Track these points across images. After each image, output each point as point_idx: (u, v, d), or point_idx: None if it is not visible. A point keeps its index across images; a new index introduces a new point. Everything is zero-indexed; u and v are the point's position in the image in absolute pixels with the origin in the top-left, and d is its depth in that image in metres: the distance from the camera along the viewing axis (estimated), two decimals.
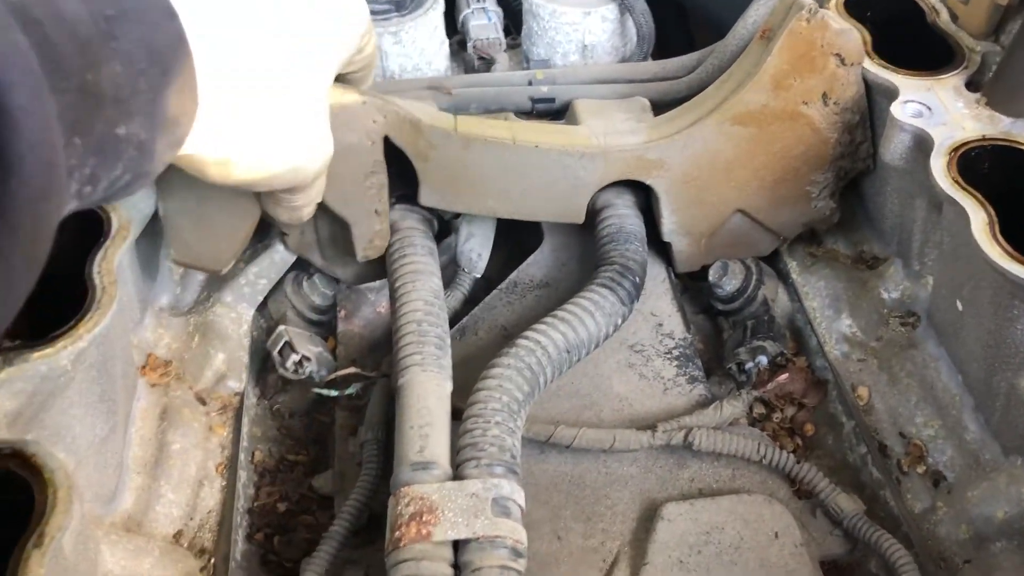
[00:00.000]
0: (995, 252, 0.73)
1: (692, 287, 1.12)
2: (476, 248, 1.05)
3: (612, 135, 0.96)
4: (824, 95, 0.92)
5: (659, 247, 1.06)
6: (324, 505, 0.94)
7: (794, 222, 1.03)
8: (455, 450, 0.76)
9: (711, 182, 0.98)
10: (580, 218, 1.01)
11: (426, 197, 0.96)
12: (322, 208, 0.90)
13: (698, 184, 0.98)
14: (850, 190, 1.04)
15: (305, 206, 0.84)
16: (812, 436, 0.98)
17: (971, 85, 0.90)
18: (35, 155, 0.38)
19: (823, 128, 0.94)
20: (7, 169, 0.37)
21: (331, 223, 0.96)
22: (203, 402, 0.96)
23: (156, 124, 0.52)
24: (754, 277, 1.04)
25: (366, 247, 0.96)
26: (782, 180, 0.98)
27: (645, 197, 1.05)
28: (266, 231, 1.01)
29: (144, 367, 0.94)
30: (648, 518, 0.82)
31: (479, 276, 1.06)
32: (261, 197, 0.85)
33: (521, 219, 1.01)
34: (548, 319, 0.88)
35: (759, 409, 0.99)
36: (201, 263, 0.93)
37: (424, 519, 0.69)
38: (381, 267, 0.97)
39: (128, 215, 0.85)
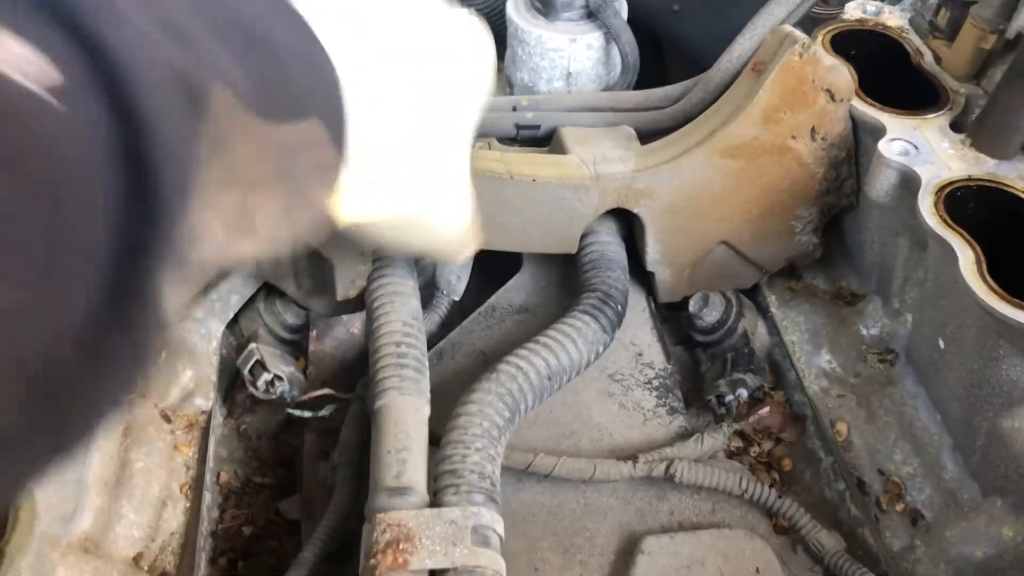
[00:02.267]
0: (983, 291, 0.73)
1: (671, 318, 1.11)
2: (455, 270, 1.03)
3: (602, 163, 0.95)
4: (813, 130, 0.92)
5: (640, 276, 1.05)
6: (291, 530, 0.91)
7: (777, 256, 1.03)
8: (433, 476, 0.74)
9: (697, 213, 0.98)
10: (574, 248, 1.00)
11: None
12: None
13: (684, 215, 0.97)
14: (831, 226, 1.04)
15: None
16: (790, 471, 0.97)
17: (955, 126, 0.91)
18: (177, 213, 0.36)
19: (810, 163, 0.94)
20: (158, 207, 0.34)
21: (310, 257, 0.93)
22: (168, 420, 0.93)
23: (289, 212, 0.49)
24: (734, 309, 1.03)
25: (347, 287, 0.92)
26: (767, 214, 0.98)
27: (627, 226, 1.04)
28: None
29: None
30: (627, 551, 0.81)
31: (457, 299, 1.04)
32: None
33: (516, 251, 1.00)
34: (530, 344, 0.87)
35: (736, 443, 0.98)
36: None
37: (401, 547, 0.67)
38: (359, 302, 0.93)
39: None
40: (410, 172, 0.66)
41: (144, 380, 0.38)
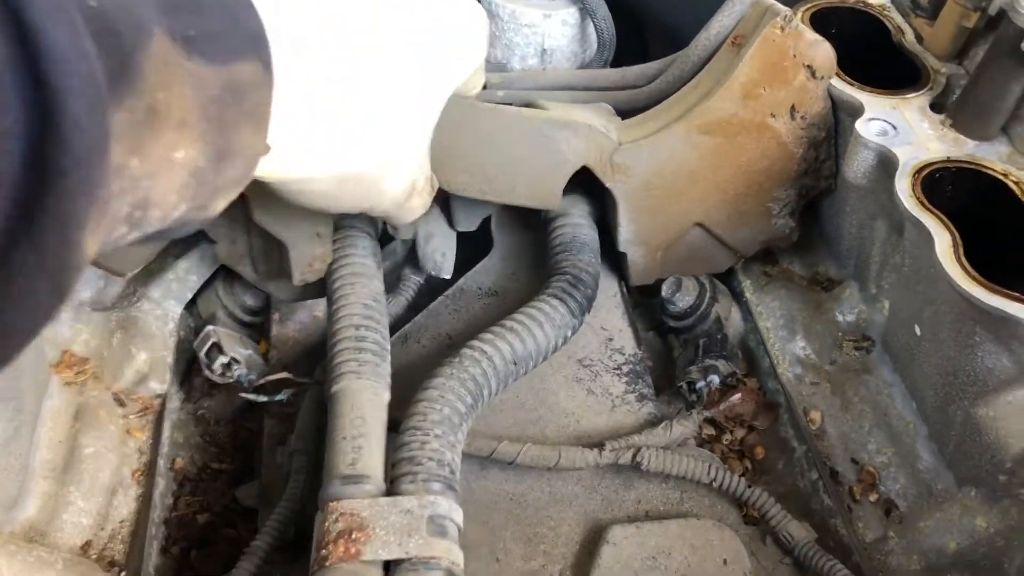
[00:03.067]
0: (959, 275, 0.71)
1: (643, 303, 1.08)
2: (439, 247, 0.98)
3: (592, 121, 0.92)
4: (792, 108, 0.90)
5: (613, 260, 1.02)
6: (248, 518, 0.88)
7: (753, 239, 1.00)
8: (390, 464, 0.71)
9: (673, 192, 0.95)
10: (555, 202, 0.93)
11: None
12: (254, 222, 0.84)
13: (659, 193, 0.94)
14: (808, 210, 1.01)
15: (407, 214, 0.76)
16: (762, 459, 0.95)
17: (935, 107, 0.88)
18: (79, 174, 0.34)
19: (789, 143, 0.92)
20: (47, 183, 0.32)
21: (265, 237, 0.88)
22: (121, 403, 0.90)
23: (220, 154, 0.46)
24: (707, 294, 1.01)
25: (304, 271, 0.86)
26: (744, 195, 0.95)
27: (600, 208, 1.01)
28: None
29: (58, 364, 0.87)
30: (592, 541, 0.78)
31: (448, 277, 1.00)
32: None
33: (492, 200, 0.95)
34: (495, 328, 0.84)
35: (708, 430, 0.96)
36: (106, 263, 0.85)
37: (353, 537, 0.64)
38: (320, 287, 0.88)
39: None
40: (363, 125, 0.61)
41: (55, 317, 0.36)
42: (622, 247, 0.98)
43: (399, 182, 0.69)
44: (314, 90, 0.56)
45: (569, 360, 0.93)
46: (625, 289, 1.03)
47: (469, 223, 0.99)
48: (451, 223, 0.99)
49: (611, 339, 0.97)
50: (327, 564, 0.63)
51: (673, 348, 1.03)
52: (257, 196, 0.81)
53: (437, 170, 0.84)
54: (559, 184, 0.92)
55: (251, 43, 0.47)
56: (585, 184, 0.95)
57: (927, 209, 0.76)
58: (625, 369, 0.94)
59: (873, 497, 0.86)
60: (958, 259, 0.72)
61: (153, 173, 0.41)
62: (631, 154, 0.92)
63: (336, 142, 0.60)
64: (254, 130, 0.49)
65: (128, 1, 0.39)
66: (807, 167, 0.94)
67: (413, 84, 0.65)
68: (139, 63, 0.39)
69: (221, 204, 0.50)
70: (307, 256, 0.85)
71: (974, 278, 0.70)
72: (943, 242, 0.74)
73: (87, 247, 0.37)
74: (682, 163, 0.93)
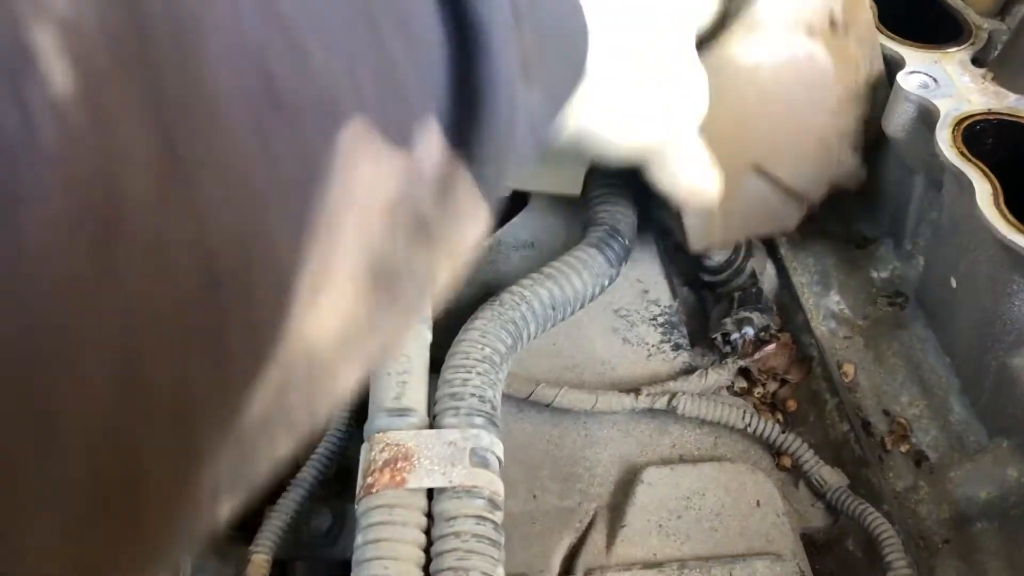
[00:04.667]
0: (1000, 222, 0.71)
1: (679, 259, 1.09)
2: None
3: None
4: (833, 22, 0.83)
5: (651, 215, 1.03)
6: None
7: (818, 180, 0.93)
8: (433, 400, 0.73)
9: (720, 133, 0.90)
10: (577, 188, 0.94)
11: None
12: None
13: (705, 137, 0.91)
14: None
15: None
16: (794, 412, 0.96)
17: (976, 61, 0.88)
18: (504, 104, 0.35)
19: (839, 65, 0.85)
20: (482, 115, 0.34)
21: None
22: None
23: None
24: (743, 250, 1.01)
25: None
26: (798, 130, 0.89)
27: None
28: None
29: None
30: (627, 481, 0.80)
31: None
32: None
33: (517, 188, 0.96)
34: (534, 275, 0.85)
35: (741, 383, 0.97)
36: None
37: (399, 466, 0.66)
38: None
39: None
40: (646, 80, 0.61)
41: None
42: (674, 209, 0.94)
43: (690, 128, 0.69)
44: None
45: (605, 310, 0.95)
46: (662, 243, 1.04)
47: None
48: None
49: (647, 291, 0.98)
50: (373, 491, 0.65)
51: (708, 303, 1.04)
52: None
53: None
54: (580, 171, 0.94)
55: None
56: None
57: (967, 159, 0.77)
58: (660, 320, 0.95)
59: (904, 448, 0.87)
60: (998, 207, 0.72)
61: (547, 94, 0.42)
62: None
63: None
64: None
65: None
66: (858, 91, 0.88)
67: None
68: None
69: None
70: None
71: (1014, 225, 0.71)
72: (983, 192, 0.74)
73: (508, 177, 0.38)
74: (721, 97, 0.88)
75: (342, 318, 0.29)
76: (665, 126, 0.65)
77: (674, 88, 0.64)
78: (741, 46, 0.85)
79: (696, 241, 0.96)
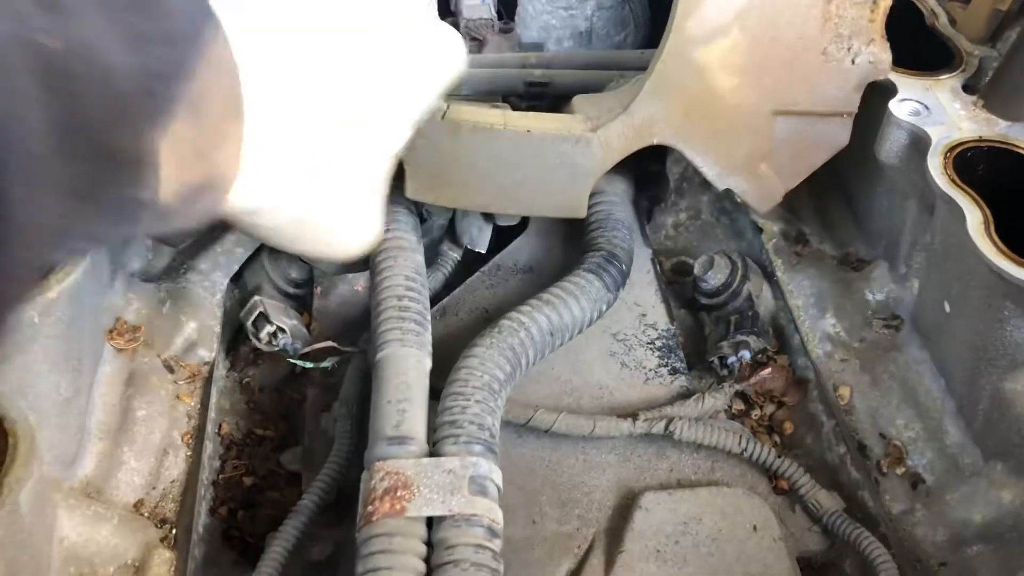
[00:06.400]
0: (990, 250, 0.72)
1: (676, 281, 1.11)
2: (476, 222, 1.02)
3: (604, 115, 0.93)
4: None
5: (647, 237, 1.04)
6: (291, 482, 0.91)
7: (846, 87, 0.88)
8: (433, 427, 0.74)
9: (720, 100, 0.87)
10: (581, 211, 0.94)
11: (412, 191, 0.90)
12: None
13: (706, 110, 0.88)
14: (838, 192, 1.02)
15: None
16: (791, 435, 0.97)
17: (967, 88, 0.90)
18: (9, 254, 0.34)
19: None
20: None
21: None
22: (171, 370, 0.93)
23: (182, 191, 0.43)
24: (739, 272, 1.02)
25: None
26: (794, 60, 0.86)
27: (635, 185, 1.03)
28: None
29: (112, 331, 0.91)
30: (625, 506, 0.81)
31: (483, 251, 1.02)
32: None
33: (517, 214, 0.97)
34: (532, 301, 0.86)
35: (738, 405, 0.98)
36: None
37: (398, 494, 0.67)
38: (362, 261, 0.91)
39: None
40: (325, 176, 0.56)
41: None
42: (720, 184, 0.94)
43: (351, 242, 0.64)
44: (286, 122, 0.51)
45: (603, 334, 0.96)
46: (658, 267, 1.05)
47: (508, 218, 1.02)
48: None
49: (645, 315, 0.99)
50: (373, 519, 0.66)
51: (705, 325, 1.05)
52: None
53: (454, 191, 0.88)
54: (582, 195, 0.93)
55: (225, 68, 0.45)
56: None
57: (958, 187, 0.78)
58: (658, 344, 0.96)
59: (900, 471, 0.88)
60: (989, 235, 0.73)
61: (108, 212, 0.40)
62: (649, 99, 0.88)
63: (300, 181, 0.55)
64: (230, 162, 0.47)
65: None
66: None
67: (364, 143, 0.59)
68: (94, 108, 0.37)
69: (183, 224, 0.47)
70: None
71: (1005, 253, 0.72)
72: (974, 219, 0.75)
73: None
74: (703, 69, 0.85)
75: None
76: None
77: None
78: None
79: (760, 204, 0.95)
